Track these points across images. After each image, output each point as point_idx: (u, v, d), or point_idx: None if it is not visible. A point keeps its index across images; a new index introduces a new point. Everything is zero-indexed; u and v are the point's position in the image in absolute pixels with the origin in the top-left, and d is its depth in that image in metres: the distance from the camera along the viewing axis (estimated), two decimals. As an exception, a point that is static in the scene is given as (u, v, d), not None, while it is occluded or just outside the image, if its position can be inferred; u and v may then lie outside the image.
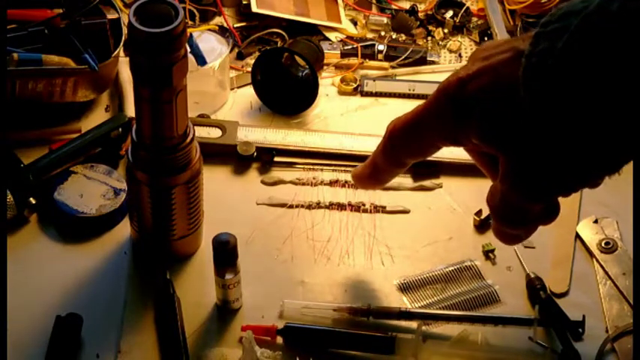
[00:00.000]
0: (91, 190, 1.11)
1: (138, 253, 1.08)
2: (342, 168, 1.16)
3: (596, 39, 0.78)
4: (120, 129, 1.15)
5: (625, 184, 1.05)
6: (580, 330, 1.02)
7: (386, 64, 1.27)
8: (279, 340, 1.01)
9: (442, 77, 1.24)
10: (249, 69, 1.24)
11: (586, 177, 0.85)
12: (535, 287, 1.05)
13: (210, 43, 1.22)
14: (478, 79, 0.87)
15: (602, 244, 1.09)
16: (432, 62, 1.28)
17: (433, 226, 1.11)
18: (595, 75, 0.78)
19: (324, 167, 1.16)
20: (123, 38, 1.17)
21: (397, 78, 1.27)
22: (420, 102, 1.22)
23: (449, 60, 1.29)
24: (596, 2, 0.79)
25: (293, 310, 1.03)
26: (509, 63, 0.85)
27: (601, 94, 0.78)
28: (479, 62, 0.88)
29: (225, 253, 0.99)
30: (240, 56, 1.28)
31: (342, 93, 1.25)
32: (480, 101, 0.86)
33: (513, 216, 0.90)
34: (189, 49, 1.10)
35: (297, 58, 1.23)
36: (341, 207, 1.13)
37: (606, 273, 1.07)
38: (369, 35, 1.31)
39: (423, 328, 1.00)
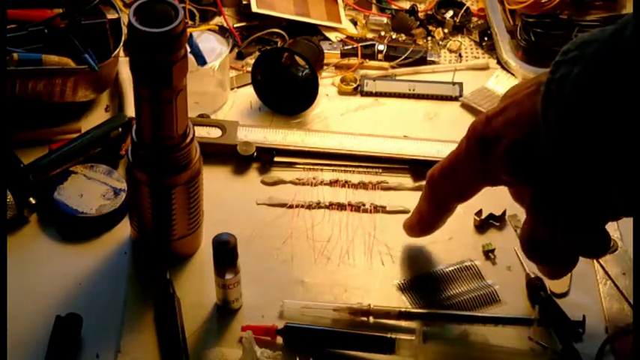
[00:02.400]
0: (91, 190, 1.11)
1: (138, 253, 1.08)
2: (342, 168, 1.16)
3: (611, 64, 0.78)
4: (120, 129, 1.15)
5: (625, 184, 1.06)
6: (580, 330, 1.02)
7: (386, 64, 1.28)
8: (279, 340, 1.01)
9: (442, 77, 1.27)
10: (249, 69, 1.24)
11: (608, 209, 0.86)
12: (535, 287, 1.05)
13: (210, 43, 1.22)
14: (504, 115, 0.88)
15: (602, 244, 1.09)
16: (432, 62, 1.28)
17: (433, 226, 1.11)
18: (609, 98, 0.78)
19: (324, 167, 1.16)
20: (123, 38, 1.17)
21: (397, 78, 1.27)
22: (420, 102, 1.24)
23: (449, 60, 1.29)
24: (610, 29, 0.79)
25: (293, 310, 1.03)
26: (532, 95, 0.86)
27: (616, 118, 0.78)
28: (506, 100, 0.89)
29: (225, 253, 0.99)
30: (240, 56, 1.28)
31: (342, 93, 1.25)
32: (504, 134, 0.88)
33: (540, 250, 0.91)
34: (189, 49, 1.10)
35: (297, 58, 1.23)
36: (341, 207, 1.13)
37: (606, 273, 1.07)
38: (369, 35, 1.31)
39: (423, 328, 1.00)
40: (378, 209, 1.13)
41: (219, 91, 1.22)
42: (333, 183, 1.15)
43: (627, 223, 1.09)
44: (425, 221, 1.04)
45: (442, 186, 0.98)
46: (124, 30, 1.17)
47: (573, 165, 0.82)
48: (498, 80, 1.25)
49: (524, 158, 0.87)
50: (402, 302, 1.05)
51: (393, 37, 1.30)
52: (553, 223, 0.88)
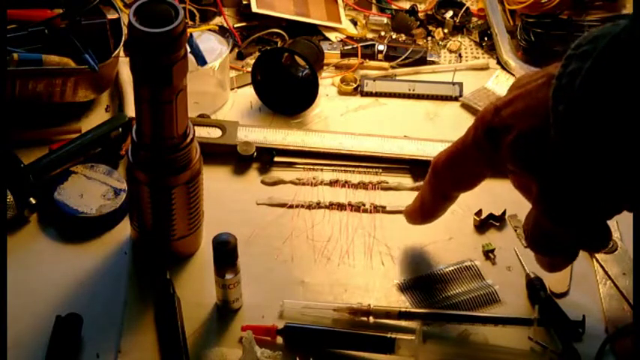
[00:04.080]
0: (91, 190, 1.11)
1: (138, 253, 1.08)
2: (342, 168, 1.16)
3: (622, 59, 0.78)
4: (120, 129, 1.15)
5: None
6: (580, 330, 1.02)
7: (386, 64, 1.28)
8: (279, 340, 1.01)
9: (442, 77, 1.27)
10: (249, 69, 1.24)
11: (613, 204, 0.86)
12: (535, 287, 1.05)
13: (210, 43, 1.22)
14: (513, 105, 0.88)
15: (602, 244, 1.09)
16: (432, 62, 1.28)
17: (433, 226, 1.11)
18: (619, 94, 0.78)
19: (324, 167, 1.16)
20: (123, 38, 1.17)
21: (397, 78, 1.27)
22: (420, 102, 1.24)
23: (449, 60, 1.29)
24: (622, 24, 0.79)
25: (293, 310, 1.03)
26: (542, 87, 0.86)
27: (625, 114, 0.79)
28: (515, 90, 0.89)
29: (225, 253, 0.99)
30: (240, 56, 1.28)
31: (342, 93, 1.25)
32: (513, 125, 0.88)
33: (544, 242, 0.91)
34: (189, 49, 1.10)
35: (297, 58, 1.23)
36: (341, 207, 1.13)
37: (606, 273, 1.07)
38: (369, 35, 1.31)
39: (423, 328, 1.00)
40: (377, 209, 1.13)
41: (219, 91, 1.22)
42: (333, 183, 1.15)
43: (627, 223, 1.10)
44: (426, 209, 1.04)
45: (446, 174, 0.98)
46: (124, 30, 1.17)
47: (581, 158, 0.82)
48: (498, 80, 1.25)
49: (532, 149, 0.87)
50: (402, 302, 1.05)
51: (393, 37, 1.30)
52: (558, 216, 0.88)
